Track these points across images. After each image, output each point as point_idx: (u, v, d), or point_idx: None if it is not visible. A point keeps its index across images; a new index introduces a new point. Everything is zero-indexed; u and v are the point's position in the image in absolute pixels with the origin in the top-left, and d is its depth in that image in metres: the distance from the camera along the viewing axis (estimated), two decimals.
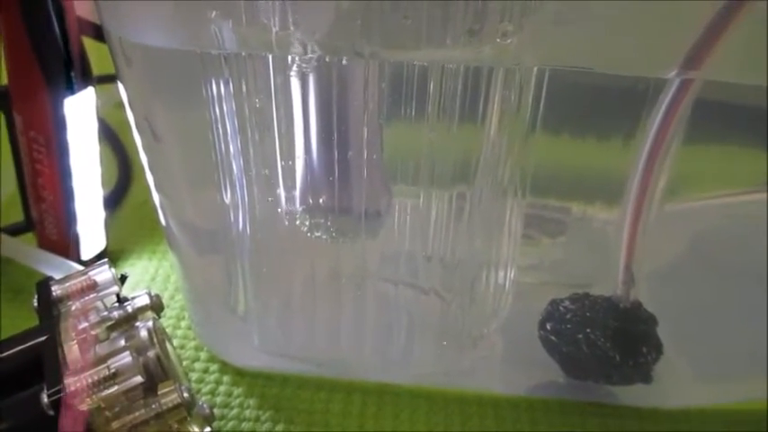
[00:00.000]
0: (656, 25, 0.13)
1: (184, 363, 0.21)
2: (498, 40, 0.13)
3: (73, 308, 0.15)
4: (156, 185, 0.19)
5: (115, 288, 0.16)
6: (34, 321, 0.16)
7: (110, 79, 0.18)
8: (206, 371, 0.21)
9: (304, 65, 0.15)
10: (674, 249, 0.22)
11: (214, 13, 0.15)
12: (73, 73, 0.19)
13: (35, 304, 0.15)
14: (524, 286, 0.21)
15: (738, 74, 0.14)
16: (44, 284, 0.15)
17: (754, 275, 0.21)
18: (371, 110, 0.15)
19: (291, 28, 0.14)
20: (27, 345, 0.14)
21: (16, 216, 0.24)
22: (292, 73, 0.15)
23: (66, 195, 0.22)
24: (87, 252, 0.23)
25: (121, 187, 0.27)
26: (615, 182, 0.18)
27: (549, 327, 0.20)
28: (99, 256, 0.24)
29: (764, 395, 0.22)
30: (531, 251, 0.21)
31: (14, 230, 0.24)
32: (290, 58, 0.15)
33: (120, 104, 0.18)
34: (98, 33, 0.20)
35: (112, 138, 0.27)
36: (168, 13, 0.14)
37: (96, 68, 0.21)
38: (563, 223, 0.21)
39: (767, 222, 0.20)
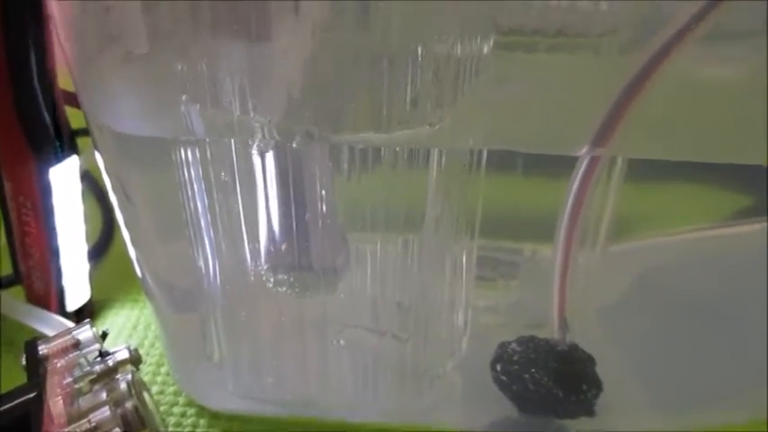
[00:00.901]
0: (567, 108, 0.15)
1: (163, 407, 0.23)
2: (428, 126, 0.15)
3: (58, 365, 0.17)
4: (131, 241, 0.21)
5: (97, 345, 0.17)
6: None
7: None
8: (183, 414, 0.23)
9: (262, 144, 0.16)
10: (621, 286, 0.24)
11: (184, 96, 0.17)
12: (58, 144, 0.21)
13: (23, 363, 0.17)
14: (481, 327, 0.23)
15: (644, 150, 0.16)
16: (31, 344, 0.17)
17: (701, 310, 0.23)
18: (324, 181, 0.17)
19: (251, 113, 0.16)
20: (17, 401, 0.16)
21: (5, 269, 0.26)
22: (253, 150, 0.17)
23: (52, 253, 0.23)
24: (72, 303, 0.25)
25: (105, 239, 0.29)
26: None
27: (499, 367, 0.21)
28: (83, 308, 0.25)
29: (712, 424, 0.23)
30: (486, 293, 0.23)
31: (4, 284, 0.26)
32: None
33: None
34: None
35: (96, 189, 0.29)
36: (141, 104, 0.16)
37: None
38: (516, 264, 0.23)
39: (713, 257, 0.22)
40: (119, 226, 0.30)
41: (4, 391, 0.17)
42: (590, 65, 0.17)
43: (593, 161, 0.16)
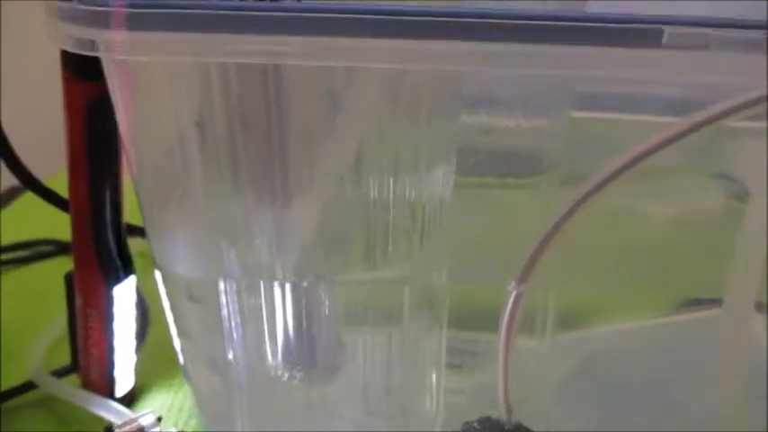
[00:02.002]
0: (497, 246, 0.22)
1: None
2: (405, 263, 0.22)
3: None
4: (180, 340, 0.27)
5: (157, 429, 0.23)
6: None
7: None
8: None
9: (282, 281, 0.23)
10: (567, 370, 0.30)
11: (226, 243, 0.23)
12: (122, 268, 0.27)
13: None
14: (453, 407, 0.29)
15: (560, 283, 0.22)
16: (109, 429, 0.23)
17: (641, 394, 0.29)
18: (328, 305, 0.23)
19: (274, 258, 0.22)
20: None
21: (60, 360, 0.32)
22: (275, 284, 0.23)
23: (109, 350, 0.29)
24: (121, 390, 0.31)
25: (141, 332, 0.35)
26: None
27: None
28: (129, 393, 0.31)
29: None
30: (455, 378, 0.29)
31: (62, 372, 0.31)
32: None
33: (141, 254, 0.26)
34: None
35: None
36: (195, 251, 0.23)
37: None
38: (476, 353, 0.29)
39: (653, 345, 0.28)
40: (152, 321, 0.36)
41: None
42: (532, 199, 0.24)
43: (519, 296, 0.22)
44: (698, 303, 0.29)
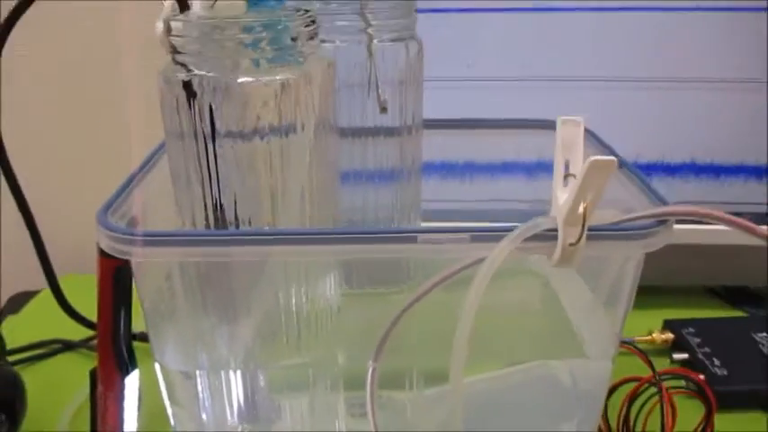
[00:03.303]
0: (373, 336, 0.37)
1: None
2: (306, 354, 0.37)
3: None
4: (171, 403, 0.41)
5: None
6: None
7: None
8: None
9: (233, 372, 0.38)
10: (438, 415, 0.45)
11: (199, 345, 0.38)
12: (130, 364, 0.42)
13: None
14: None
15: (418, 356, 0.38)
16: None
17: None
18: (263, 384, 0.38)
19: (230, 354, 0.37)
20: None
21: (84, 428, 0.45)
22: (230, 372, 0.38)
23: (121, 421, 0.43)
24: None
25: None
26: None
27: None
28: None
29: None
30: (358, 422, 0.44)
31: None
32: None
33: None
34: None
35: None
36: (179, 351, 0.37)
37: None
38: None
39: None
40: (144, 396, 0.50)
41: None
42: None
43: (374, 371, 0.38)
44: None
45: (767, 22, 0.55)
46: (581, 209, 0.30)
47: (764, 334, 0.55)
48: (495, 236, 0.32)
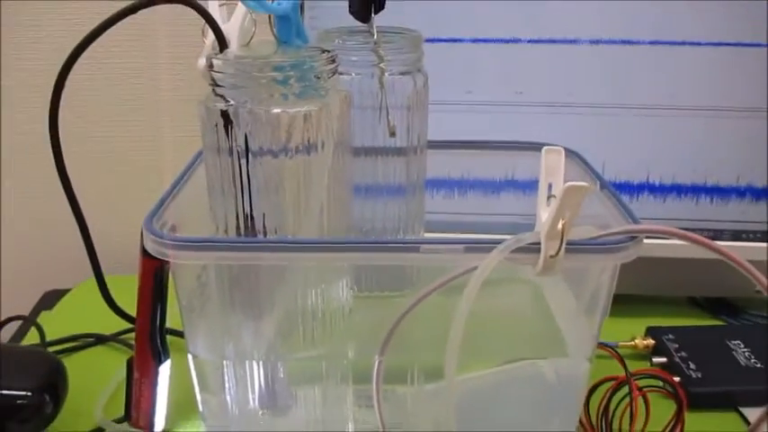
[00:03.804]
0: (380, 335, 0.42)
1: None
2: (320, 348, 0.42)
3: None
4: (201, 389, 0.46)
5: None
6: None
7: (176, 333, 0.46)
8: None
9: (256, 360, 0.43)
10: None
11: (227, 338, 0.43)
12: (163, 355, 0.47)
13: None
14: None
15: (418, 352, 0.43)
16: None
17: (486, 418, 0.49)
18: (283, 375, 0.43)
19: (254, 347, 0.43)
20: None
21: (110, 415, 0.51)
22: (254, 362, 0.43)
23: (153, 405, 0.49)
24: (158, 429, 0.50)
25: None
26: None
27: None
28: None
29: None
30: (366, 412, 0.49)
31: (119, 421, 0.50)
32: None
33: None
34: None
35: None
36: (209, 342, 0.43)
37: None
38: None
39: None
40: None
41: None
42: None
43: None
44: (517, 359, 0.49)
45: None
46: (560, 225, 0.36)
47: (738, 341, 0.60)
48: (486, 247, 0.37)
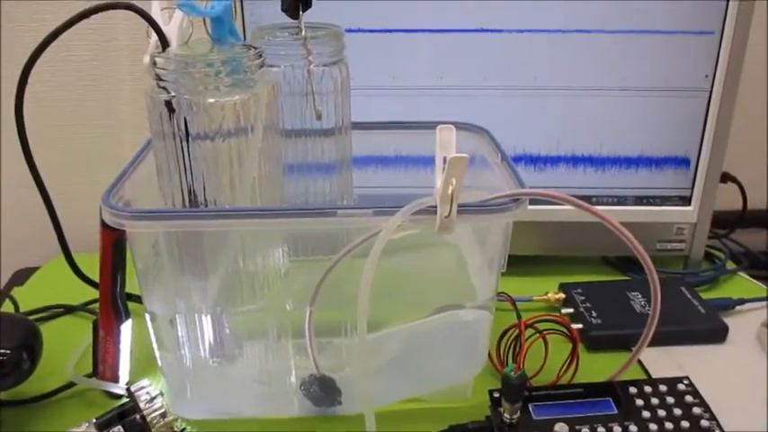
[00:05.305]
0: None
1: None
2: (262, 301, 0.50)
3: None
4: (158, 347, 0.53)
5: (148, 386, 0.49)
6: None
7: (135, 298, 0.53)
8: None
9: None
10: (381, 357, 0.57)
11: (178, 297, 0.50)
12: (124, 315, 0.54)
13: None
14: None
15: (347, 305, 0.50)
16: (128, 389, 0.49)
17: (420, 366, 0.57)
18: (228, 326, 0.51)
19: (202, 302, 0.50)
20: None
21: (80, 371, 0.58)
22: (203, 316, 0.50)
23: (117, 360, 0.55)
24: (123, 382, 0.57)
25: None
26: None
27: (303, 387, 0.54)
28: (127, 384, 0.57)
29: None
30: (304, 360, 0.56)
31: (88, 376, 0.57)
32: None
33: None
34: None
35: None
36: (163, 301, 0.50)
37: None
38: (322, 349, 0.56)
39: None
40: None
41: None
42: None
43: None
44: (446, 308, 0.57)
45: None
46: (450, 190, 0.43)
47: (637, 293, 0.69)
48: (392, 211, 0.44)
